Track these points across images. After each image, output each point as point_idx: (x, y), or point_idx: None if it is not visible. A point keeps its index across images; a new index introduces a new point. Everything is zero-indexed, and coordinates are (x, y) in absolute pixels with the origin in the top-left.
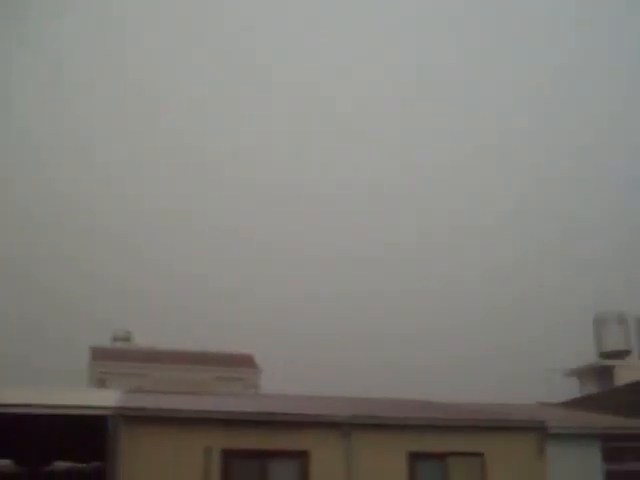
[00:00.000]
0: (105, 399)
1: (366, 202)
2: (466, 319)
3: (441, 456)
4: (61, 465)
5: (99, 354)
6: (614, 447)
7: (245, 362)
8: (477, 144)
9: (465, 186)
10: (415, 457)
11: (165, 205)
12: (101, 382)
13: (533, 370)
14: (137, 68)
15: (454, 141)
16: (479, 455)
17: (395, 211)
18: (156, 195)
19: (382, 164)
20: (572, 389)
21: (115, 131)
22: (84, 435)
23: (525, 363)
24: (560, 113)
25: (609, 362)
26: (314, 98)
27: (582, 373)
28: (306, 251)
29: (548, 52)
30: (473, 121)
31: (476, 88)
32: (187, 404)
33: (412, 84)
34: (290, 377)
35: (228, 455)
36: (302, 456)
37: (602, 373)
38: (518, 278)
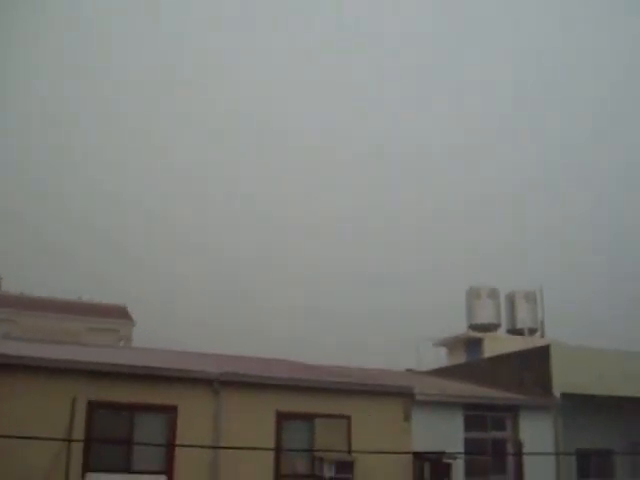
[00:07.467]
0: None
1: None
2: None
3: (308, 416)
4: None
5: None
6: (475, 415)
7: (118, 313)
8: None
9: None
10: (283, 416)
11: None
12: None
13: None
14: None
15: None
16: (346, 417)
17: None
18: None
19: None
20: (440, 358)
21: None
22: None
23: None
24: None
25: (478, 334)
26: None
27: (451, 343)
28: None
29: None
30: None
31: None
32: (54, 353)
33: None
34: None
35: (94, 407)
36: (170, 410)
37: (471, 344)
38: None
